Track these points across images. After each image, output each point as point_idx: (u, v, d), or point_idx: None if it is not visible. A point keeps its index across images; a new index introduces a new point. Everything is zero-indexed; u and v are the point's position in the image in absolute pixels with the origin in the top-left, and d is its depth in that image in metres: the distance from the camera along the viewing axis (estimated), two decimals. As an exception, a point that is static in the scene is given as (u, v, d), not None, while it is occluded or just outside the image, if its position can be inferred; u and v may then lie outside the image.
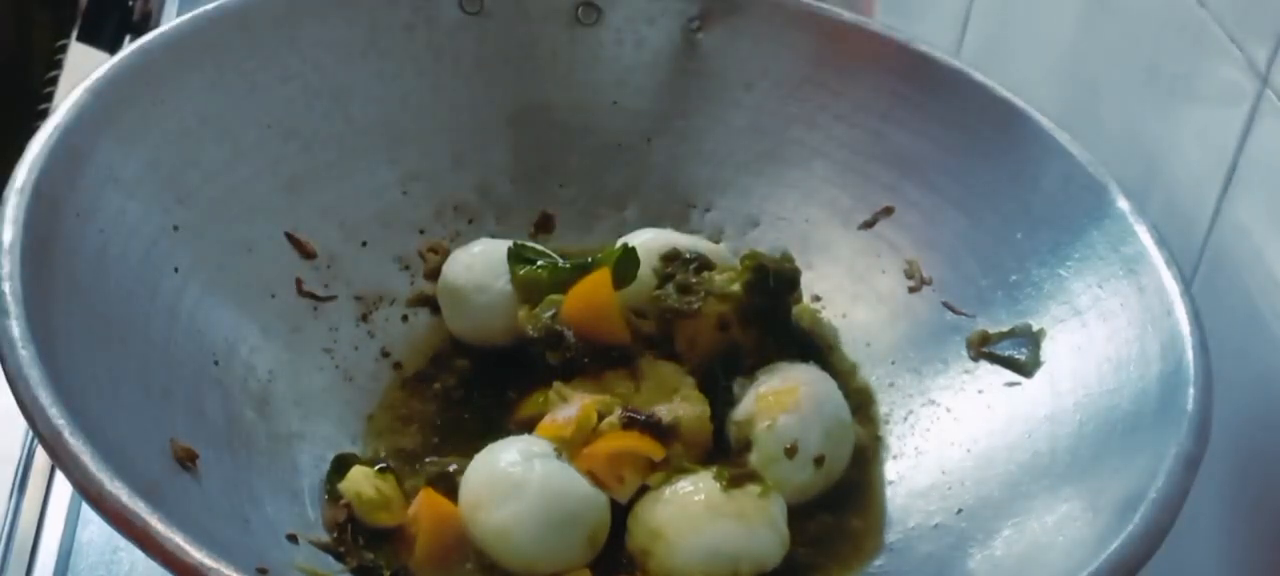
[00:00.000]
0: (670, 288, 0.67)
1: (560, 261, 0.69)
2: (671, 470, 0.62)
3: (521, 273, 0.69)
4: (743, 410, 0.65)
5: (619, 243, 0.69)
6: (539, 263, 0.69)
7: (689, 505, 0.60)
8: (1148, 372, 0.61)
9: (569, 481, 0.60)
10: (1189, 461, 0.57)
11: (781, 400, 0.64)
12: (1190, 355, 0.60)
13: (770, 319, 0.67)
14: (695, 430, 0.64)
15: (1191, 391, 0.59)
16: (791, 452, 0.63)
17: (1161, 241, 0.65)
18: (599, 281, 0.67)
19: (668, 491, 0.61)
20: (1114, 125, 0.76)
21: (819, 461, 0.63)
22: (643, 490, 0.62)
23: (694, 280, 0.67)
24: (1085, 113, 0.77)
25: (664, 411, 0.63)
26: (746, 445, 0.64)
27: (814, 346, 0.69)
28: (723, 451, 0.64)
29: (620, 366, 0.66)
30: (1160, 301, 0.63)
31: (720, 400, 0.65)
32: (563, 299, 0.67)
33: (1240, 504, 0.66)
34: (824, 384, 0.66)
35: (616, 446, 0.62)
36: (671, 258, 0.69)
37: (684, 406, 0.64)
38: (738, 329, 0.67)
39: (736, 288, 0.67)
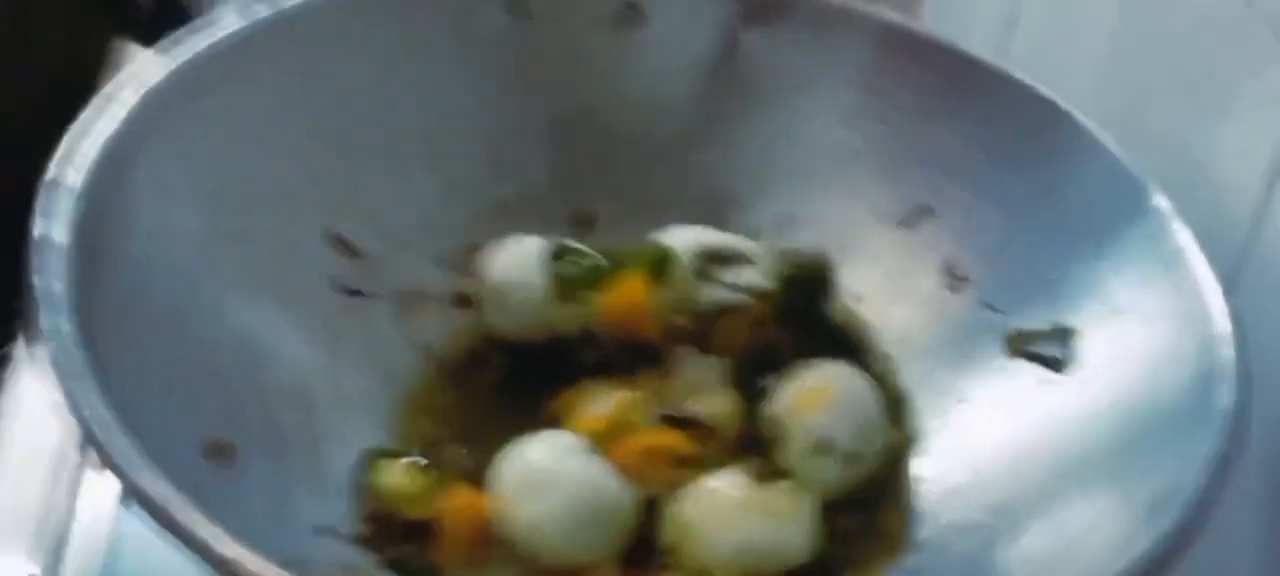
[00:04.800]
0: (706, 285, 0.68)
1: (598, 260, 0.70)
2: (703, 466, 0.62)
3: (559, 270, 0.69)
4: (775, 407, 0.65)
5: (656, 241, 0.70)
6: (577, 260, 0.70)
7: (719, 501, 0.60)
8: (1184, 372, 0.61)
9: (600, 477, 0.61)
10: (1224, 461, 0.56)
11: (813, 397, 0.64)
12: (1227, 355, 0.60)
13: (806, 316, 0.68)
14: (727, 426, 0.64)
15: (1228, 391, 0.59)
16: (823, 449, 0.63)
17: (1201, 241, 0.65)
18: (635, 281, 0.67)
19: (698, 487, 0.61)
20: (1160, 126, 0.76)
21: (850, 458, 0.63)
22: (674, 485, 0.62)
23: (730, 277, 0.68)
24: (1131, 114, 0.77)
25: (696, 408, 0.64)
26: (778, 442, 0.64)
27: (849, 344, 0.69)
28: (755, 448, 0.64)
29: (654, 363, 0.66)
30: (1198, 301, 0.63)
31: (753, 397, 0.66)
32: (599, 297, 0.68)
33: (1278, 504, 0.65)
34: (856, 381, 0.66)
35: (649, 442, 0.62)
36: (708, 256, 0.69)
37: (716, 403, 0.64)
38: (773, 326, 0.67)
39: (773, 285, 0.67)
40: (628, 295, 0.67)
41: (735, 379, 0.66)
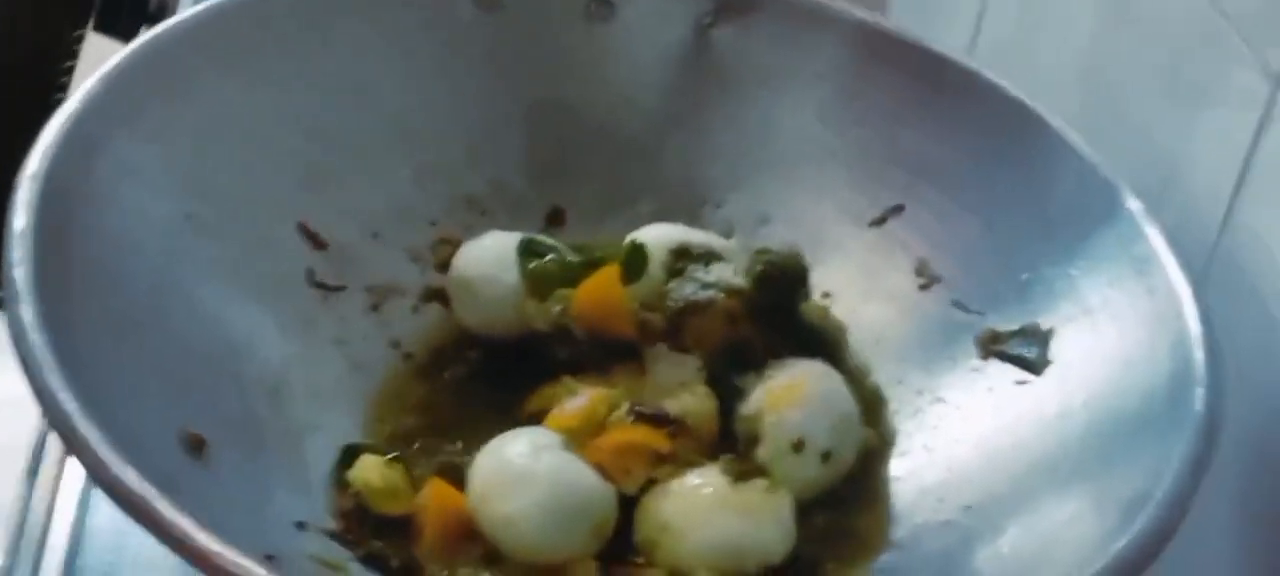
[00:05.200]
0: (680, 282, 0.68)
1: (570, 256, 0.70)
2: (679, 463, 0.62)
3: (532, 266, 0.69)
4: (750, 405, 0.64)
5: (629, 238, 0.69)
6: (549, 256, 0.69)
7: (696, 498, 0.60)
8: (1157, 372, 0.61)
9: (576, 473, 0.60)
10: (1197, 462, 0.57)
11: (789, 395, 0.64)
12: (1199, 355, 0.60)
13: (779, 314, 0.67)
14: (702, 424, 0.64)
15: (1200, 392, 0.59)
16: (798, 447, 0.63)
17: (1172, 242, 0.65)
18: (608, 277, 0.67)
19: (675, 484, 0.61)
20: (1129, 127, 0.76)
21: (825, 456, 0.63)
22: (650, 482, 0.62)
23: (703, 275, 0.67)
24: (1101, 114, 0.78)
25: (671, 405, 0.63)
26: (754, 440, 0.64)
27: (823, 343, 0.69)
28: (730, 446, 0.64)
29: (628, 360, 0.66)
30: (1170, 302, 0.63)
31: (728, 395, 0.65)
32: (572, 293, 0.67)
33: (1253, 505, 0.66)
34: (831, 379, 0.66)
35: (624, 439, 0.62)
36: (681, 253, 0.69)
37: (691, 401, 0.64)
38: (746, 324, 0.67)
39: (745, 283, 0.67)
40: (602, 292, 0.67)
41: (710, 376, 0.66)
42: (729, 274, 0.68)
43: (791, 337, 0.67)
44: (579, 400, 0.63)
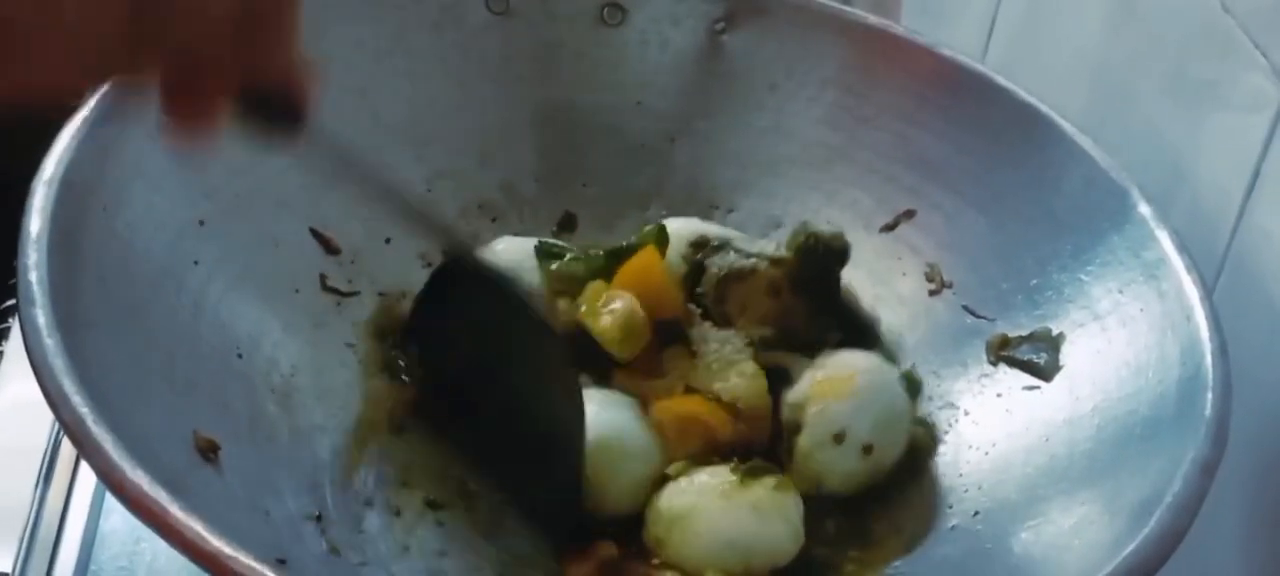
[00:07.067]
0: (721, 254, 0.68)
1: (583, 257, 0.70)
2: (690, 462, 0.62)
3: (554, 267, 0.69)
4: (797, 392, 0.65)
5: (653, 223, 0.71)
6: (568, 256, 0.70)
7: (705, 495, 0.61)
8: (1166, 377, 0.61)
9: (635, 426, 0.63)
10: (1206, 466, 0.57)
11: (836, 386, 0.64)
12: (1209, 360, 0.60)
13: (820, 287, 0.68)
14: (754, 402, 0.64)
15: (1210, 396, 0.59)
16: (839, 438, 0.63)
17: (1182, 246, 0.65)
18: (649, 256, 0.68)
19: (685, 481, 0.62)
20: (1139, 130, 0.76)
21: (867, 450, 0.63)
22: (664, 479, 0.62)
23: (746, 246, 0.68)
24: (1110, 118, 0.78)
25: (722, 388, 0.64)
26: (797, 427, 0.64)
27: (865, 325, 0.69)
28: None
29: (678, 343, 0.66)
30: (1180, 306, 0.63)
31: (776, 380, 0.65)
32: (603, 284, 0.67)
33: (1262, 507, 0.66)
34: (882, 374, 0.66)
35: (689, 409, 0.63)
36: (700, 244, 0.69)
37: (741, 382, 0.64)
38: (788, 294, 0.67)
39: (788, 254, 0.67)
40: (645, 271, 0.67)
41: (758, 357, 0.66)
42: (771, 248, 0.68)
43: (832, 314, 0.68)
44: (616, 304, 0.65)
